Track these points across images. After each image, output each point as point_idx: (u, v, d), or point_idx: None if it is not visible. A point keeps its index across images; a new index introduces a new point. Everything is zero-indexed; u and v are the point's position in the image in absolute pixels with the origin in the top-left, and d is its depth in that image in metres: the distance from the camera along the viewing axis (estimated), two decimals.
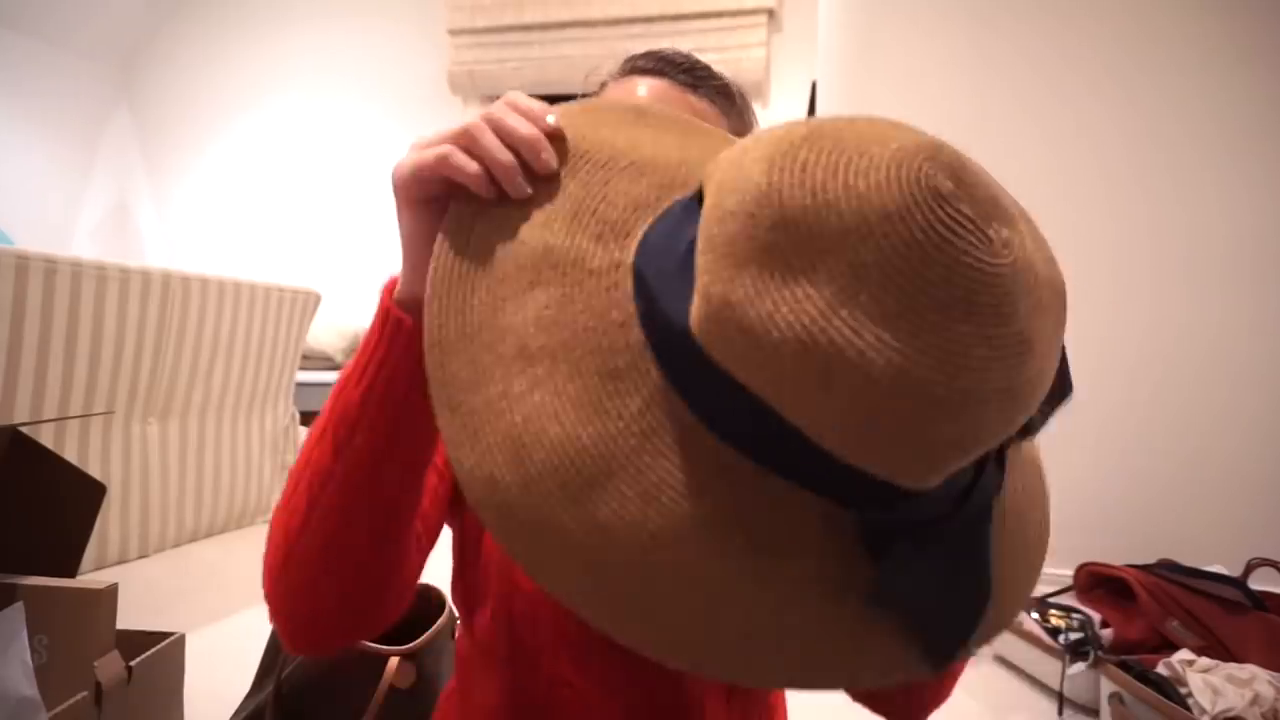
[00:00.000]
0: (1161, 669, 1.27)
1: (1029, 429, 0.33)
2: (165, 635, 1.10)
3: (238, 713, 0.96)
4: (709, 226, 0.33)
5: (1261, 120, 1.77)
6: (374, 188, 4.49)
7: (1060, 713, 1.41)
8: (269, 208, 4.77)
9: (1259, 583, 1.54)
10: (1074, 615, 1.52)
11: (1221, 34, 1.78)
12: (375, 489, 0.45)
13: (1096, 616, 1.51)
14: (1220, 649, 1.38)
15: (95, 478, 1.16)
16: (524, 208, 0.40)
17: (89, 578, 1.15)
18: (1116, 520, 1.78)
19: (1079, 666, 1.41)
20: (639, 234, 0.39)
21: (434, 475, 0.57)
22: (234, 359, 2.42)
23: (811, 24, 2.80)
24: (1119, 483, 1.81)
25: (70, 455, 1.93)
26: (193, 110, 4.93)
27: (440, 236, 0.40)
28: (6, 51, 4.39)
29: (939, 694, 0.51)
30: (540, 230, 0.39)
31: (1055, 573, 1.66)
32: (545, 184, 0.40)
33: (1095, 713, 1.38)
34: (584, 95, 0.62)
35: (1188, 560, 1.59)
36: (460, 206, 0.40)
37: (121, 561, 2.12)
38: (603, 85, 0.65)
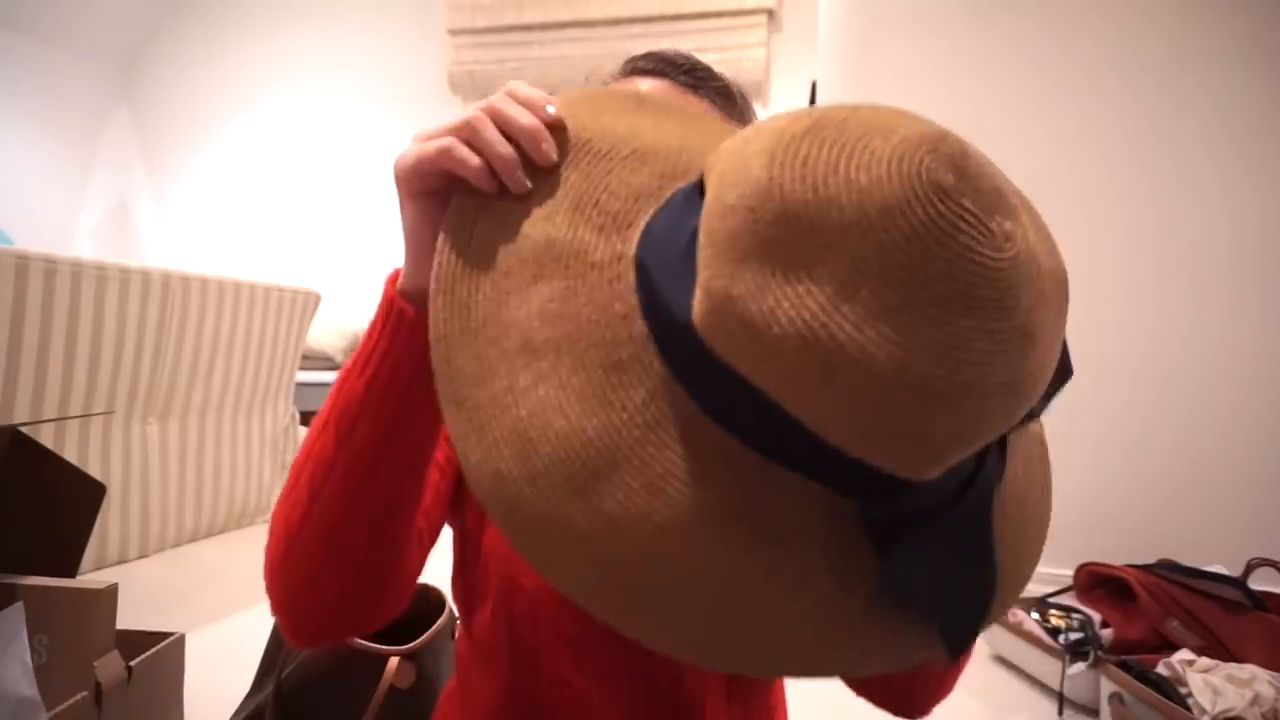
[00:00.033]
0: (1161, 669, 1.27)
1: (1030, 415, 0.33)
2: (165, 635, 1.10)
3: (238, 713, 0.96)
4: (710, 220, 0.33)
5: (1266, 119, 1.76)
6: (374, 188, 4.49)
7: (1060, 713, 1.40)
8: (269, 208, 4.77)
9: (1259, 583, 1.53)
10: (1074, 615, 1.52)
11: (1226, 32, 1.77)
12: (377, 481, 0.45)
13: (1097, 616, 1.51)
14: (1220, 649, 1.38)
15: (95, 478, 1.16)
16: (526, 201, 0.40)
17: (89, 578, 1.15)
18: (1117, 521, 1.77)
19: (1079, 666, 1.41)
20: (641, 225, 0.39)
21: (436, 471, 0.57)
22: (234, 359, 2.42)
23: (811, 24, 2.80)
24: (1119, 483, 1.80)
25: (70, 455, 1.93)
26: (192, 110, 4.94)
27: (443, 232, 0.40)
28: (6, 51, 4.40)
29: (944, 686, 0.51)
30: (542, 223, 0.39)
31: (1055, 573, 1.66)
32: (546, 175, 0.40)
33: (1095, 713, 1.38)
34: None
35: (1188, 560, 1.59)
36: (462, 200, 0.40)
37: (121, 561, 2.12)
38: (603, 86, 0.65)
